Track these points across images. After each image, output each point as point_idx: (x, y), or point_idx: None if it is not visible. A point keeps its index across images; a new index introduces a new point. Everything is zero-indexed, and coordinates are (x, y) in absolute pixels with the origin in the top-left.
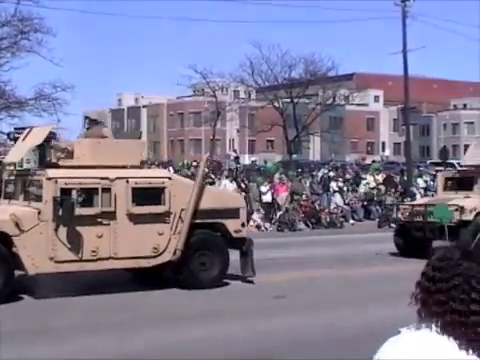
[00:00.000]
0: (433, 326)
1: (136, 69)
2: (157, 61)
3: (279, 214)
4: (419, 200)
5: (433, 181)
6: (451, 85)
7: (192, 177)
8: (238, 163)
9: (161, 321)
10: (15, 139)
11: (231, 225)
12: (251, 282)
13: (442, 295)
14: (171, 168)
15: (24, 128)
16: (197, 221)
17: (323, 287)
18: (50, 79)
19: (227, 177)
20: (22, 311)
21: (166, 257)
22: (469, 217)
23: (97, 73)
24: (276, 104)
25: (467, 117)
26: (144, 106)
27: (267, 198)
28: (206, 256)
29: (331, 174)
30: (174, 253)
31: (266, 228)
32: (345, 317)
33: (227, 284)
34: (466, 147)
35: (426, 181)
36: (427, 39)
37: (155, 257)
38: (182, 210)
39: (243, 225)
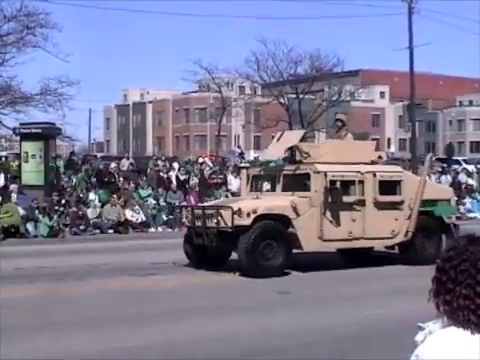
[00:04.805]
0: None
1: (142, 65)
2: (163, 57)
3: None
4: (209, 202)
5: (439, 178)
6: (457, 82)
7: (199, 174)
8: (243, 159)
9: (163, 317)
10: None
11: None
12: None
13: (451, 283)
14: (176, 164)
15: (30, 123)
16: None
17: (327, 283)
18: (56, 74)
19: (232, 173)
20: (23, 305)
21: None
22: (246, 222)
23: (103, 68)
24: (282, 100)
25: (473, 114)
26: (149, 102)
27: None
28: None
29: None
30: None
31: None
32: (348, 313)
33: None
34: (472, 144)
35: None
36: (433, 35)
37: None
38: None
39: None
